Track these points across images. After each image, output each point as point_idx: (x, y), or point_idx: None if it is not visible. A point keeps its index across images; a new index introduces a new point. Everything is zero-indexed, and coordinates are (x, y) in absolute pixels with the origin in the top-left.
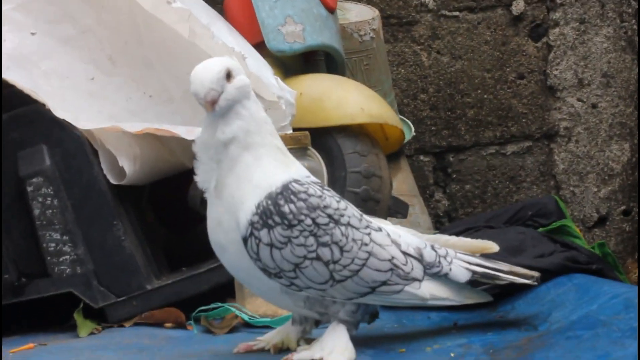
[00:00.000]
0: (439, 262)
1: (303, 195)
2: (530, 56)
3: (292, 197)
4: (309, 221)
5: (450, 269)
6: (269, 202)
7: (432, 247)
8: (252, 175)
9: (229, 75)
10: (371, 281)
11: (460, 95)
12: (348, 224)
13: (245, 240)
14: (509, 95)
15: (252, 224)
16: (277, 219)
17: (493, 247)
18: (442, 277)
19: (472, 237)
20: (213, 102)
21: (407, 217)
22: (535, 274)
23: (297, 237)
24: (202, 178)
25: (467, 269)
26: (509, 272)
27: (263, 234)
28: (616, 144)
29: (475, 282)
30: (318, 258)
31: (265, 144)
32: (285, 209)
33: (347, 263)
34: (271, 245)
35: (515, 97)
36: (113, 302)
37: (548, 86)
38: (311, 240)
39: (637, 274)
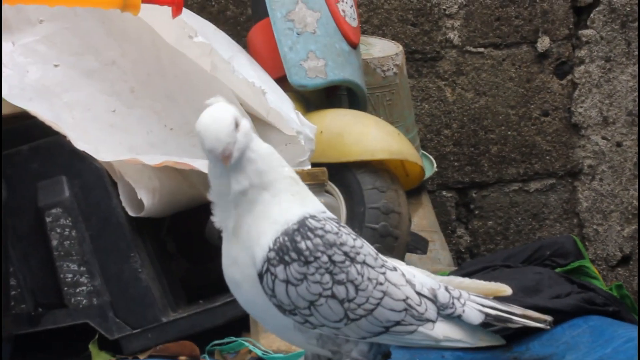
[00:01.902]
0: (453, 303)
1: (320, 232)
2: (555, 93)
3: (309, 233)
4: (325, 258)
5: (464, 311)
6: (286, 238)
7: (446, 289)
8: (269, 212)
9: (236, 124)
10: (385, 321)
11: (484, 132)
12: (364, 262)
13: (261, 276)
14: (533, 132)
15: (268, 260)
16: (293, 255)
17: (506, 290)
18: (455, 319)
19: (489, 276)
20: (229, 156)
21: (427, 253)
22: (548, 318)
23: (313, 274)
24: (220, 218)
25: (481, 311)
26: (521, 316)
27: (279, 270)
28: None
29: (487, 325)
30: (333, 296)
31: (278, 177)
32: (302, 245)
33: (361, 302)
34: (287, 281)
35: (539, 134)
36: (128, 333)
37: (572, 124)
38: (327, 277)
39: None
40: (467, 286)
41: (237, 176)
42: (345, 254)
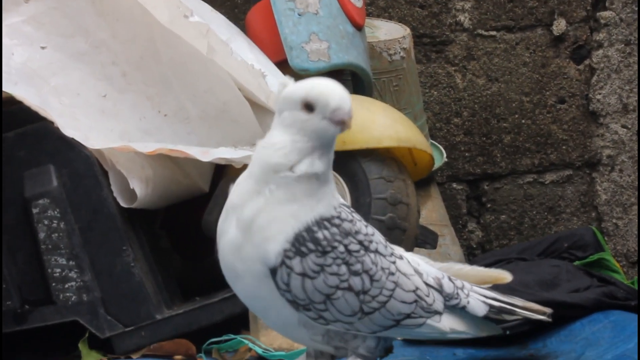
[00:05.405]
0: (457, 294)
1: (336, 221)
2: (571, 79)
3: (325, 222)
4: (341, 248)
5: (468, 302)
6: (301, 228)
7: (449, 278)
8: (301, 209)
9: None
10: (397, 313)
11: (497, 120)
12: (376, 251)
13: (274, 270)
14: (548, 120)
15: (284, 251)
16: (310, 245)
17: (506, 277)
18: (459, 310)
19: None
20: (350, 119)
21: (437, 248)
22: (548, 310)
23: (330, 265)
24: (239, 201)
25: (484, 302)
26: (522, 308)
27: (295, 262)
28: None
29: (488, 317)
30: (349, 288)
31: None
32: (319, 235)
33: (376, 294)
34: (304, 274)
35: (555, 122)
36: (120, 332)
37: (590, 111)
38: (343, 268)
39: None
40: (466, 273)
41: (316, 159)
42: (360, 242)
